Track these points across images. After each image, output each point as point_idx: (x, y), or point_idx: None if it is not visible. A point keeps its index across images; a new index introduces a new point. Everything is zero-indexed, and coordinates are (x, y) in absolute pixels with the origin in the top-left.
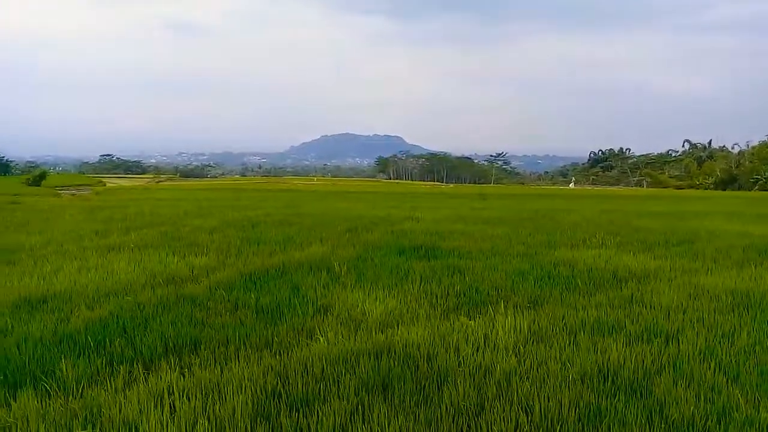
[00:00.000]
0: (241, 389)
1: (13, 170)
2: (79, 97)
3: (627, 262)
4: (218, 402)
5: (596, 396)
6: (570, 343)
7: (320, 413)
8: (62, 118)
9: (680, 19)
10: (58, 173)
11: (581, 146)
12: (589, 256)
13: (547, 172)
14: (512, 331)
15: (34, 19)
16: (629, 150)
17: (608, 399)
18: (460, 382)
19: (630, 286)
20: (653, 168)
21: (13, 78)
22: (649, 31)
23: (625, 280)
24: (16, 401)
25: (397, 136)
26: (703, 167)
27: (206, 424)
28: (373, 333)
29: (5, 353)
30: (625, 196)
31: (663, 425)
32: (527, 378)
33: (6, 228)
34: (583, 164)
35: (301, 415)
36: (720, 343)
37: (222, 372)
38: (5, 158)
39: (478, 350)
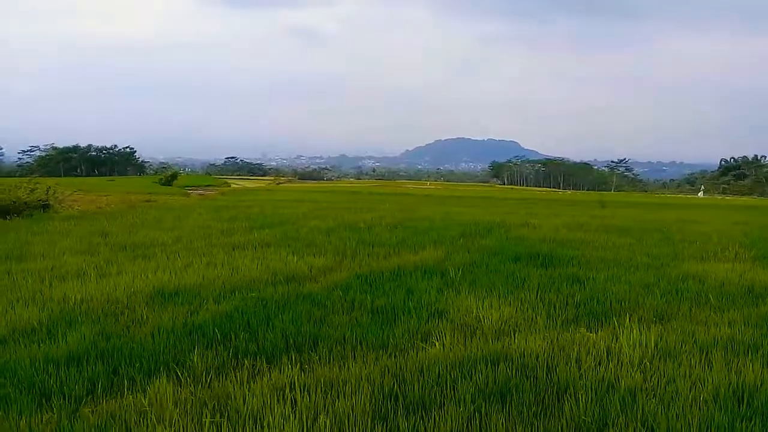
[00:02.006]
0: (359, 388)
1: (147, 170)
2: (206, 102)
3: (764, 278)
4: (338, 399)
5: (729, 418)
6: (701, 361)
7: (437, 418)
8: (191, 122)
9: None
10: (187, 174)
11: (711, 153)
12: (721, 270)
13: (672, 180)
14: (637, 346)
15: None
16: (765, 157)
17: (743, 422)
18: (582, 395)
19: (767, 304)
20: None
21: (147, 83)
22: None
23: (762, 297)
24: (151, 387)
25: (512, 141)
26: None
27: (327, 421)
28: (489, 340)
29: (141, 342)
30: (760, 207)
31: None
32: (654, 395)
33: (142, 224)
34: (712, 172)
35: (417, 418)
36: None
37: (340, 370)
38: (141, 159)
39: (600, 364)
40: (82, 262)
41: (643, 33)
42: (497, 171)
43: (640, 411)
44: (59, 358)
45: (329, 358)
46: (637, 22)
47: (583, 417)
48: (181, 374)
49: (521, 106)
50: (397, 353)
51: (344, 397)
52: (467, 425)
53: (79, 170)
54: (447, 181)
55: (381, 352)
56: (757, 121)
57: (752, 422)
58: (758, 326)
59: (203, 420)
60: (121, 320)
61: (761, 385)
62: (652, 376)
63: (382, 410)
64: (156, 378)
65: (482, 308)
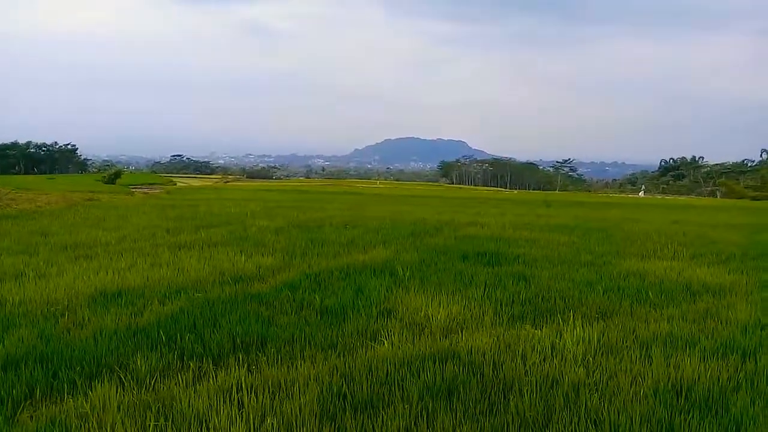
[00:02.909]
0: (308, 388)
1: (89, 168)
2: (152, 98)
3: (701, 275)
4: (285, 400)
5: (669, 412)
6: (641, 356)
7: (385, 416)
8: (136, 119)
9: (763, 22)
10: (131, 172)
11: (651, 154)
12: (660, 268)
13: (615, 180)
14: (580, 342)
15: (112, 19)
16: (702, 159)
17: (682, 416)
18: (527, 391)
19: (704, 300)
20: (728, 178)
21: (91, 78)
22: (729, 36)
23: (699, 294)
24: (93, 391)
25: (461, 141)
26: None
27: (274, 422)
28: (437, 338)
29: (82, 345)
30: (698, 207)
31: None
32: (596, 390)
33: (84, 224)
34: (653, 172)
35: (365, 417)
36: None
37: (288, 370)
38: (83, 156)
39: (545, 360)
40: (20, 263)
41: (590, 36)
42: (446, 170)
43: (584, 406)
44: None
45: (277, 359)
46: (584, 26)
47: (528, 412)
48: (125, 377)
49: (470, 106)
50: (345, 353)
51: (292, 398)
52: (414, 423)
53: (17, 168)
54: (397, 180)
55: (330, 351)
56: (697, 124)
57: (690, 415)
58: (696, 322)
59: (147, 423)
60: (62, 323)
61: (699, 378)
62: (594, 372)
63: (331, 410)
64: (98, 381)
65: (431, 306)
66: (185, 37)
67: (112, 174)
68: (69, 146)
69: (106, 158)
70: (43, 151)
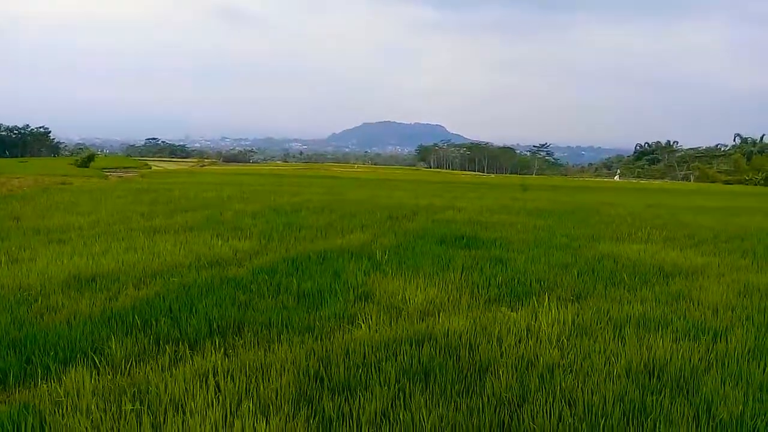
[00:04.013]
0: (285, 371)
1: (62, 151)
2: (127, 82)
3: (674, 258)
4: (262, 383)
5: (641, 392)
6: (615, 337)
7: (362, 399)
8: (110, 102)
9: (736, 10)
10: (105, 156)
11: (627, 138)
12: (634, 251)
13: (591, 164)
14: (555, 324)
15: (85, 2)
16: (677, 143)
17: (654, 395)
18: (503, 372)
19: (677, 282)
20: (701, 162)
21: (63, 60)
22: (704, 23)
23: (672, 276)
24: (67, 376)
25: (439, 125)
26: (752, 162)
27: (251, 405)
28: (414, 321)
29: (56, 330)
30: (671, 190)
31: (710, 424)
32: (570, 371)
33: (57, 208)
34: (628, 157)
35: (343, 400)
36: None
37: (265, 354)
38: (56, 140)
39: (520, 342)
40: None
41: (566, 22)
42: (424, 155)
43: (558, 386)
44: None
45: (254, 343)
46: (560, 13)
47: (504, 393)
48: (99, 362)
49: (448, 90)
50: (323, 336)
51: (269, 381)
52: (391, 405)
53: None
54: (375, 164)
55: (307, 335)
56: (672, 109)
57: (662, 395)
58: (668, 303)
59: (122, 408)
60: (35, 307)
61: (671, 359)
62: (569, 353)
63: (308, 393)
64: (72, 367)
65: (408, 290)
66: (157, 20)
67: (86, 157)
68: (41, 129)
69: (79, 141)
70: (15, 134)
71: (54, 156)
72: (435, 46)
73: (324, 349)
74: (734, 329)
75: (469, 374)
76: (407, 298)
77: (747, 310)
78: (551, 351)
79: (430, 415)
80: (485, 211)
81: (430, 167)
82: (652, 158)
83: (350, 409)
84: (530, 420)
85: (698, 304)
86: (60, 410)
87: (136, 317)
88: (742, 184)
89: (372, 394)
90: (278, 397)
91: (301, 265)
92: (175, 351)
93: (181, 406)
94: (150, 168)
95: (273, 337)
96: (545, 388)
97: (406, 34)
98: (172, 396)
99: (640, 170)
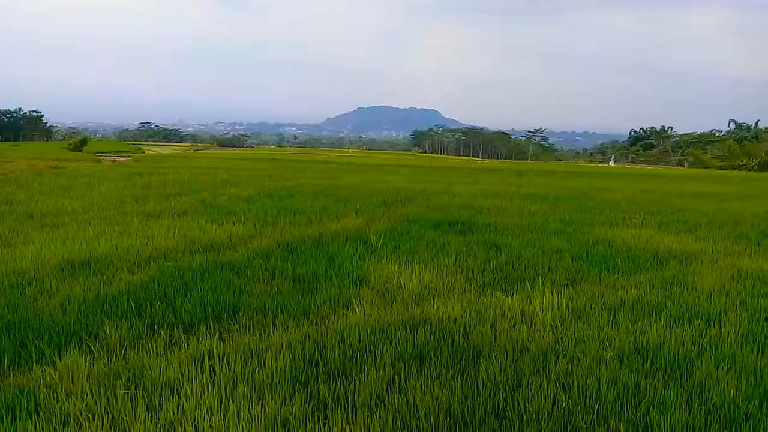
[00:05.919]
0: (280, 356)
1: (55, 135)
2: (120, 65)
3: (668, 243)
4: (257, 367)
5: (635, 376)
6: (609, 322)
7: (357, 382)
8: (103, 86)
9: None
10: (98, 140)
11: (622, 124)
12: (629, 236)
13: (585, 150)
14: (549, 308)
15: None
16: (671, 129)
17: (647, 379)
18: (497, 357)
19: (671, 267)
20: (696, 148)
21: (57, 45)
22: (702, 8)
23: (666, 261)
24: (61, 360)
25: (434, 110)
26: (745, 148)
27: (245, 389)
28: (409, 306)
29: (51, 314)
30: (666, 176)
31: (703, 408)
32: (564, 355)
33: (50, 192)
34: (623, 142)
35: (338, 384)
36: (763, 326)
37: (261, 338)
38: (49, 124)
39: (514, 326)
40: None
41: (563, 6)
42: (419, 139)
43: (553, 370)
44: None
45: (249, 327)
46: None
47: (498, 377)
48: (94, 346)
49: (443, 76)
50: (318, 320)
51: (264, 365)
52: (387, 388)
53: None
54: (369, 150)
55: (302, 319)
56: (667, 94)
57: (655, 379)
58: (662, 288)
59: (117, 392)
60: (29, 292)
61: (664, 343)
62: (563, 337)
63: (303, 377)
64: (67, 351)
65: (403, 274)
66: (152, 4)
67: (79, 141)
68: (34, 113)
69: (72, 125)
70: (7, 117)
71: (47, 140)
72: (432, 31)
73: (319, 333)
74: (727, 314)
75: (463, 358)
76: (402, 282)
77: (740, 295)
78: (545, 335)
79: (425, 397)
80: (480, 196)
81: (425, 152)
82: (647, 144)
83: (345, 393)
84: (524, 404)
85: (692, 289)
86: (54, 394)
87: (131, 301)
88: (736, 169)
89: (367, 377)
90: (273, 381)
91: (296, 249)
92: (170, 335)
93: (176, 389)
94: (143, 152)
95: (268, 321)
96: (539, 372)
97: (403, 18)
98: (167, 380)
99: (634, 156)
